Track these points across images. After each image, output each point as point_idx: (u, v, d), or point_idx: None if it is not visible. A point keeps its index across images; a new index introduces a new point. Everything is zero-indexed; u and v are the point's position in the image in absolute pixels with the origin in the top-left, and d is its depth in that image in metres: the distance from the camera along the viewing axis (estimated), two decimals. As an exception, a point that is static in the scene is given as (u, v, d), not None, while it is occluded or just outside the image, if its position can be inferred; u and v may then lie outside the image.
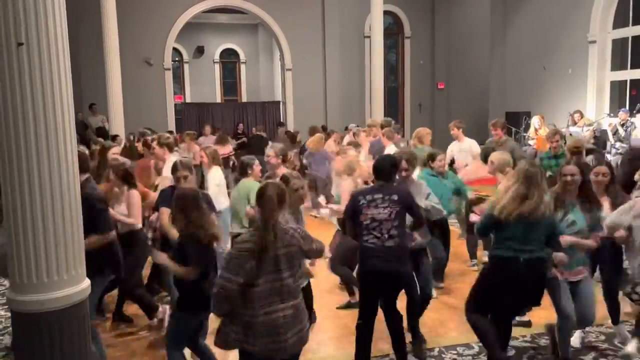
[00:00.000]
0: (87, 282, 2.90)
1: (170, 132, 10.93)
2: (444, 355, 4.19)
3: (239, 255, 2.87)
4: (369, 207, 3.75)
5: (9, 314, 4.13)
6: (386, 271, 3.73)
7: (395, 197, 3.77)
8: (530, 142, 11.09)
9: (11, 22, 2.56)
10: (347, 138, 9.82)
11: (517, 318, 4.38)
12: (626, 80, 12.13)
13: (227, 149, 10.18)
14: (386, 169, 3.94)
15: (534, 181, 3.51)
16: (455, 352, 4.23)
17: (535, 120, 10.98)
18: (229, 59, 22.13)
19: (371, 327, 3.84)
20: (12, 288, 2.76)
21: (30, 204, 2.66)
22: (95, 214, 3.61)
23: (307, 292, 4.28)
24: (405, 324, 4.02)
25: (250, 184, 4.79)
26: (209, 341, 3.54)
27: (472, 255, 6.38)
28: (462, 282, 5.70)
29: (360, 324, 3.84)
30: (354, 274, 4.67)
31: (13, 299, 2.73)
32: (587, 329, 4.31)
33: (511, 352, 4.15)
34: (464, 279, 5.81)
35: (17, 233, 2.68)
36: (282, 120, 16.10)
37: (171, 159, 5.66)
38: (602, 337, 4.44)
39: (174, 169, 4.51)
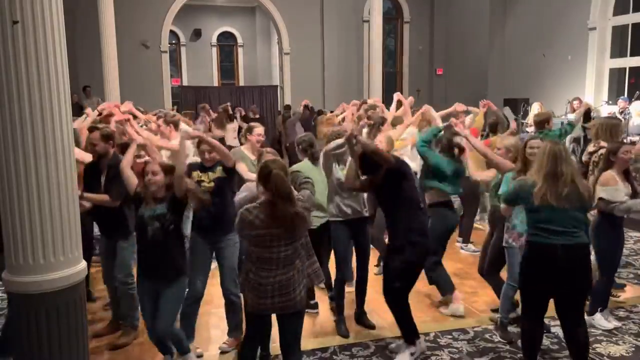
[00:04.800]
0: (83, 264, 2.89)
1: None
2: (439, 340, 4.21)
3: None
4: None
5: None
6: None
7: None
8: (528, 129, 11.08)
9: (5, 0, 2.51)
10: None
11: None
12: (625, 68, 12.08)
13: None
14: None
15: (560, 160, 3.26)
16: (450, 336, 4.26)
17: (535, 107, 10.97)
18: (227, 43, 21.94)
19: None
20: (8, 269, 2.75)
21: (27, 185, 2.64)
22: None
23: None
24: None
25: None
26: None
27: (466, 239, 6.43)
28: (453, 265, 5.72)
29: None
30: None
31: (10, 280, 2.72)
32: None
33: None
34: (455, 264, 5.84)
35: (14, 214, 2.66)
36: (284, 104, 15.98)
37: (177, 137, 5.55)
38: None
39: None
